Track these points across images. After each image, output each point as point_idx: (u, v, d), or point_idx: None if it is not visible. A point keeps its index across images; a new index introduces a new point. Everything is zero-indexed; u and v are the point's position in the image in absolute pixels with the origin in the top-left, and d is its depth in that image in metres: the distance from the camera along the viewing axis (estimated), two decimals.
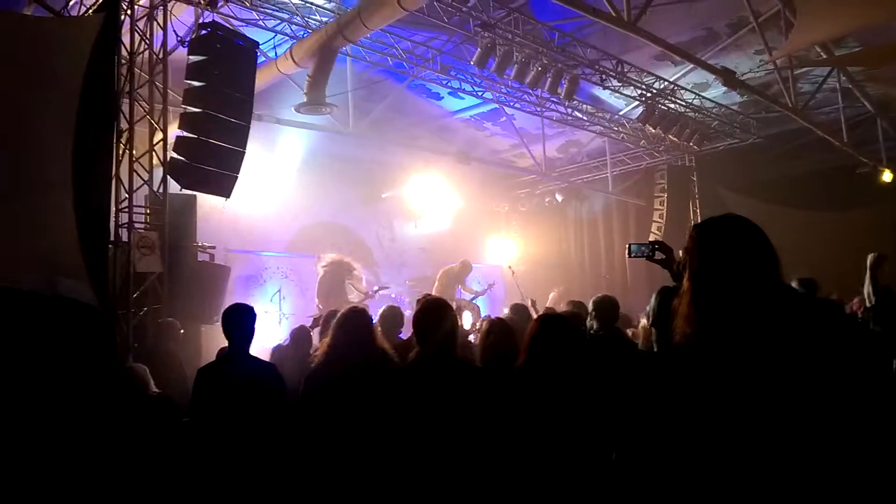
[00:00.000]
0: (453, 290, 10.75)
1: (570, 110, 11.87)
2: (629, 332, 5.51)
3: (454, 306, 4.85)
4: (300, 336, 5.60)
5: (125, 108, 6.56)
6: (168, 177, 6.82)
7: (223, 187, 6.82)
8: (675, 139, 12.09)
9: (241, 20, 8.04)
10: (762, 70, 10.24)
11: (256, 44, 7.29)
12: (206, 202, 7.79)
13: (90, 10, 6.31)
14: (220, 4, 7.30)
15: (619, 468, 1.77)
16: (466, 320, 10.11)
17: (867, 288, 4.88)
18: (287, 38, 8.57)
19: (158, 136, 6.93)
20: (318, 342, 4.60)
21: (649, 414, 1.68)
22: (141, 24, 6.82)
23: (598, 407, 2.80)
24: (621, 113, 12.59)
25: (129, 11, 6.59)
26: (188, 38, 6.89)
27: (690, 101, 11.47)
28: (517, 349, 3.45)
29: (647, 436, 1.67)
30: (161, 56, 6.92)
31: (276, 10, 8.09)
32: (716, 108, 11.91)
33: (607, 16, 6.62)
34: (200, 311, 7.23)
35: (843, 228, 11.48)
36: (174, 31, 7.11)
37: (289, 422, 3.87)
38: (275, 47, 8.90)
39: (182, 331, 6.37)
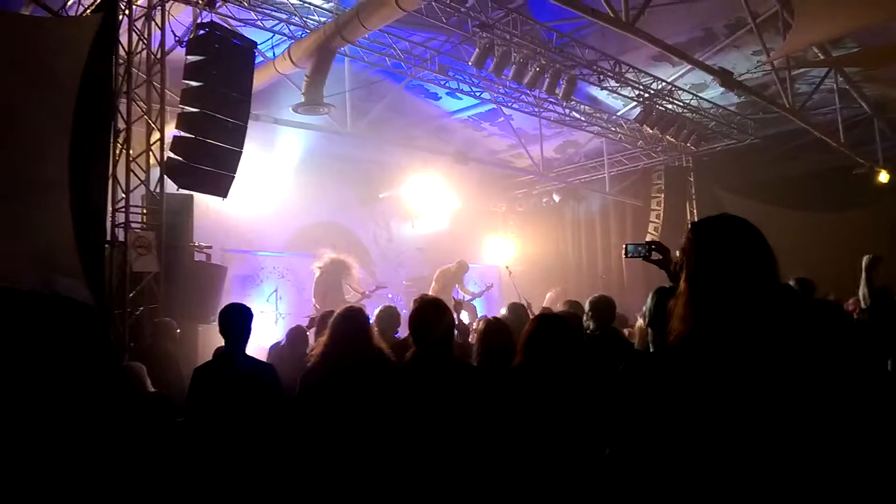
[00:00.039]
0: (451, 290, 10.75)
1: (567, 111, 11.89)
2: (625, 332, 5.52)
3: (452, 306, 4.85)
4: (296, 336, 5.60)
5: (122, 107, 6.54)
6: (165, 177, 6.81)
7: (220, 187, 6.81)
8: (672, 140, 12.10)
9: (239, 20, 8.04)
10: (760, 71, 10.26)
11: (254, 44, 7.29)
12: (203, 202, 7.78)
13: (88, 10, 6.30)
14: (218, 4, 7.29)
15: (612, 466, 1.77)
16: (464, 320, 10.10)
17: (862, 290, 4.91)
18: (285, 38, 8.58)
19: (156, 135, 6.91)
20: (315, 342, 4.60)
21: (644, 413, 1.68)
22: (139, 23, 6.81)
23: (594, 407, 2.80)
24: (619, 113, 12.60)
25: (126, 11, 6.58)
26: (186, 38, 6.89)
27: (688, 101, 11.48)
28: (514, 349, 3.45)
29: (641, 435, 1.67)
30: (159, 56, 6.90)
31: (274, 11, 8.09)
32: (713, 109, 11.92)
33: (605, 16, 6.63)
34: (197, 311, 7.22)
35: (839, 229, 11.52)
36: (172, 31, 7.10)
37: (285, 421, 3.87)
38: (273, 47, 8.89)
39: (179, 330, 6.36)
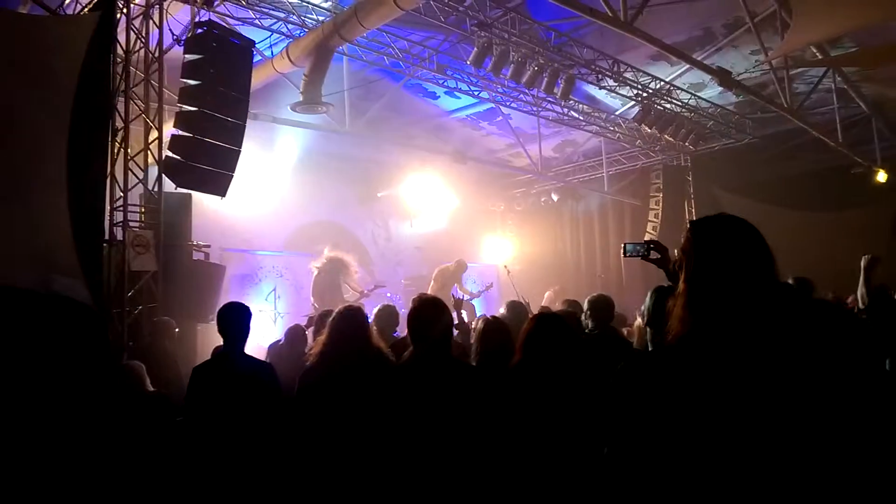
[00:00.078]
0: (450, 289, 10.75)
1: (566, 110, 11.89)
2: (624, 331, 5.52)
3: (451, 305, 4.85)
4: (295, 335, 5.59)
5: (121, 106, 6.53)
6: (163, 175, 6.80)
7: (218, 186, 6.80)
8: (670, 139, 12.11)
9: (238, 19, 8.03)
10: (758, 70, 10.27)
11: (253, 42, 7.27)
12: (202, 201, 7.77)
13: (86, 9, 6.29)
14: (216, 3, 7.27)
15: (611, 465, 1.77)
16: (465, 320, 10.08)
17: (861, 290, 4.93)
18: (283, 37, 8.56)
19: (154, 134, 6.91)
20: (313, 341, 4.60)
21: (643, 412, 1.68)
22: (137, 22, 6.81)
23: (593, 406, 2.80)
24: (617, 113, 12.60)
25: (125, 10, 6.58)
26: (184, 37, 6.87)
27: (686, 101, 11.49)
28: (512, 348, 3.45)
29: (639, 434, 1.67)
30: (157, 55, 6.90)
31: (273, 9, 8.08)
32: (711, 109, 11.94)
33: (604, 16, 6.63)
34: (196, 310, 7.22)
35: (838, 229, 11.54)
36: (170, 29, 7.08)
37: (284, 420, 3.87)
38: (271, 46, 8.88)
39: (177, 329, 6.36)
